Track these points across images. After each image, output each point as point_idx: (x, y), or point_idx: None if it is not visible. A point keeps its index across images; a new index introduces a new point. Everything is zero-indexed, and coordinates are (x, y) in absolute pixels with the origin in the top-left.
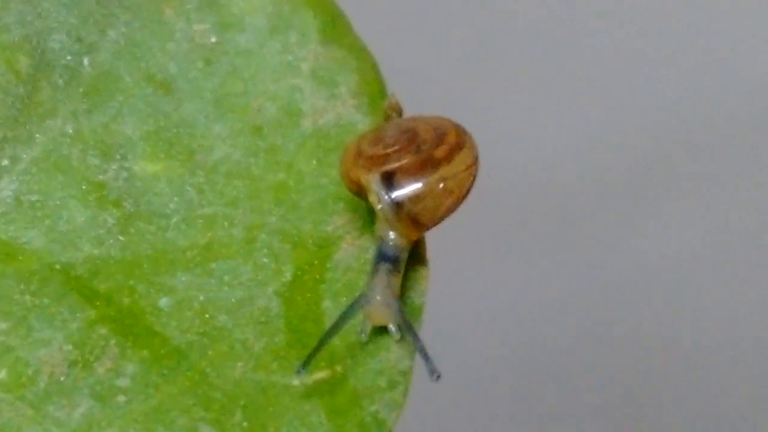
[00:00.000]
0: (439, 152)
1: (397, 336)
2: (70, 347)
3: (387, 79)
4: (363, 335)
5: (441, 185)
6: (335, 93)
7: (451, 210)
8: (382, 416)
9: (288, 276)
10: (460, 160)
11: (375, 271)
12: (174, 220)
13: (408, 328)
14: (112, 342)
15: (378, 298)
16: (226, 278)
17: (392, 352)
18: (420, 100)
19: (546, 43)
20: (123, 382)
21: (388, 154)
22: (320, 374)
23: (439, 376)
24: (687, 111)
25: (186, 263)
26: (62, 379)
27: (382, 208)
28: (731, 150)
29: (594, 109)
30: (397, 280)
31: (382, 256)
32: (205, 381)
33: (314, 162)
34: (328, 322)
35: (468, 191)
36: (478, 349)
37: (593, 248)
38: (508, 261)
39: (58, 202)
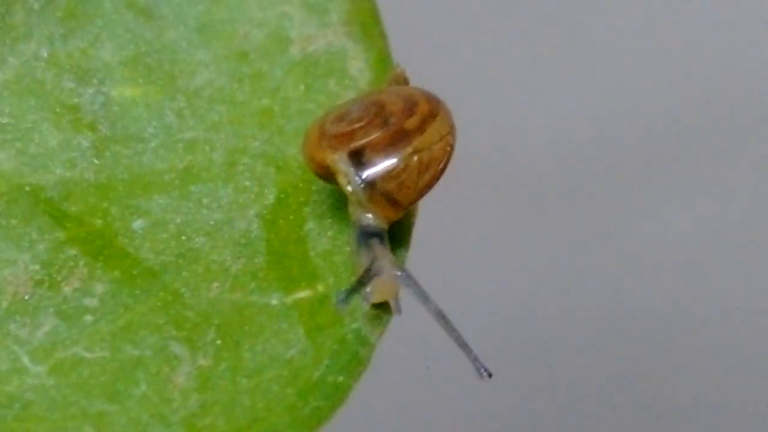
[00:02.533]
0: (411, 123)
1: (398, 312)
2: (37, 267)
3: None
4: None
5: (416, 159)
6: (326, 21)
7: (429, 185)
8: (365, 333)
9: (271, 199)
10: (434, 131)
11: (367, 246)
12: (152, 144)
13: (436, 310)
14: (82, 263)
15: (390, 270)
16: (204, 201)
17: None
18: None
19: (561, 13)
20: (91, 302)
21: (354, 131)
22: (301, 294)
23: (490, 375)
24: (705, 87)
25: (163, 186)
26: (26, 298)
27: (353, 190)
28: (749, 128)
29: (608, 83)
30: (388, 254)
31: (367, 235)
32: (178, 301)
33: (302, 87)
34: (311, 245)
35: (446, 163)
36: (481, 332)
37: (603, 227)
38: (514, 239)
39: (29, 125)
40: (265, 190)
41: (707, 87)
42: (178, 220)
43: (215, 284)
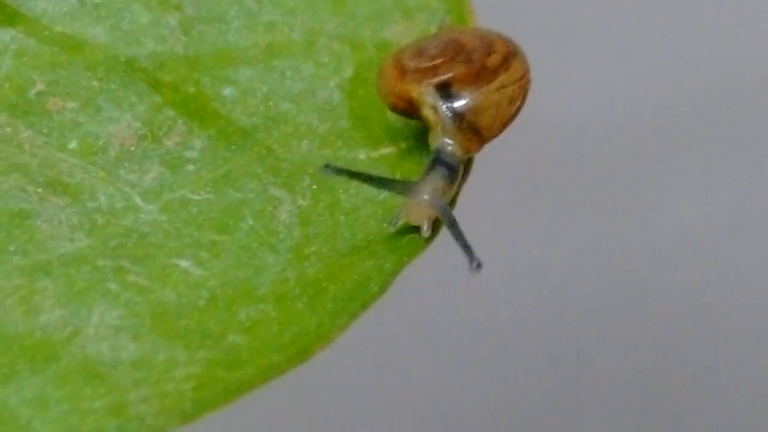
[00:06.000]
0: (493, 60)
1: (428, 233)
2: (139, 124)
3: None
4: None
5: (502, 94)
6: None
7: (511, 119)
8: None
9: (349, 72)
10: (516, 68)
11: (429, 171)
12: (234, 24)
13: (455, 228)
14: (179, 122)
15: (425, 197)
16: (288, 73)
17: None
18: None
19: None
20: (191, 154)
21: (436, 66)
22: (386, 150)
23: (479, 265)
24: (727, 71)
25: (248, 60)
26: (132, 149)
27: (442, 121)
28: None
29: (630, 66)
30: (449, 191)
31: (439, 162)
32: (272, 155)
33: None
34: (390, 114)
35: (524, 102)
36: (496, 309)
37: (623, 210)
38: (531, 219)
39: (121, 5)
40: (343, 65)
41: (742, 66)
42: (265, 89)
43: (305, 142)
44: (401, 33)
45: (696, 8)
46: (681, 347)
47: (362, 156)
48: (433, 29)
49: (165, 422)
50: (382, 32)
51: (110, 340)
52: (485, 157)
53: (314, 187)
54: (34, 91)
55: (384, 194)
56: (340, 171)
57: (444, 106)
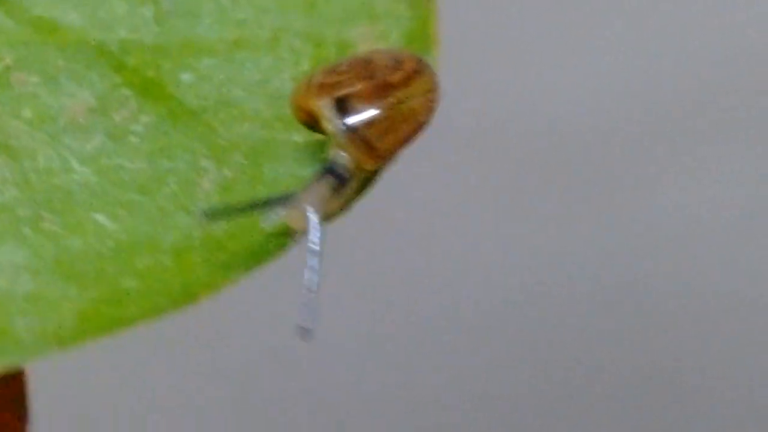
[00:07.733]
0: (395, 77)
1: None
2: (93, 100)
3: None
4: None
5: (397, 109)
6: None
7: (407, 138)
8: None
9: (305, 66)
10: (418, 86)
11: (317, 180)
12: (207, 20)
13: (316, 259)
14: (133, 100)
15: (309, 208)
16: (247, 65)
17: None
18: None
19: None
20: (137, 128)
21: (340, 81)
22: (321, 135)
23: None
24: (726, 69)
25: (213, 52)
26: (81, 120)
27: (335, 134)
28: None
29: (627, 64)
30: (333, 202)
31: (329, 171)
32: (212, 132)
33: None
34: None
35: (427, 119)
36: (495, 307)
37: (621, 209)
38: (527, 218)
39: None
40: (301, 60)
41: (728, 74)
42: (222, 77)
43: (247, 124)
44: (363, 35)
45: (696, 7)
46: (679, 346)
47: (296, 138)
48: (394, 34)
49: (42, 346)
50: (345, 33)
51: (10, 275)
52: (480, 156)
53: (243, 161)
54: (0, 66)
55: (306, 171)
56: (216, 212)
57: (337, 120)
